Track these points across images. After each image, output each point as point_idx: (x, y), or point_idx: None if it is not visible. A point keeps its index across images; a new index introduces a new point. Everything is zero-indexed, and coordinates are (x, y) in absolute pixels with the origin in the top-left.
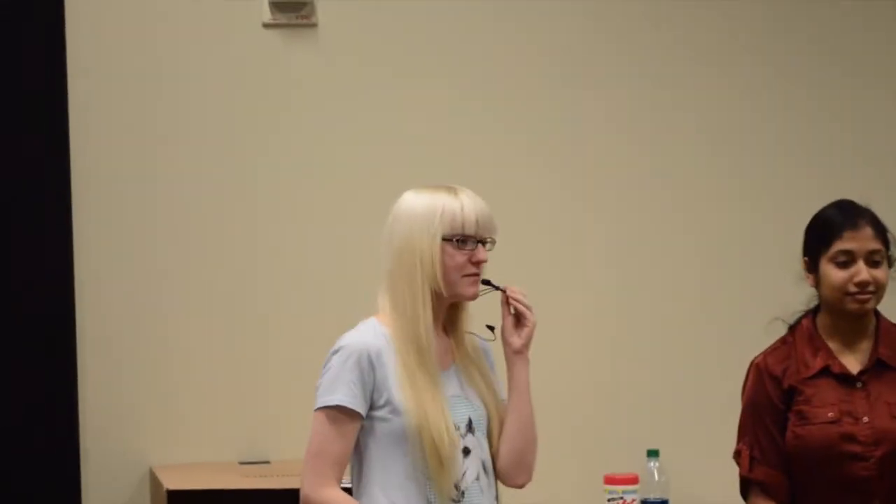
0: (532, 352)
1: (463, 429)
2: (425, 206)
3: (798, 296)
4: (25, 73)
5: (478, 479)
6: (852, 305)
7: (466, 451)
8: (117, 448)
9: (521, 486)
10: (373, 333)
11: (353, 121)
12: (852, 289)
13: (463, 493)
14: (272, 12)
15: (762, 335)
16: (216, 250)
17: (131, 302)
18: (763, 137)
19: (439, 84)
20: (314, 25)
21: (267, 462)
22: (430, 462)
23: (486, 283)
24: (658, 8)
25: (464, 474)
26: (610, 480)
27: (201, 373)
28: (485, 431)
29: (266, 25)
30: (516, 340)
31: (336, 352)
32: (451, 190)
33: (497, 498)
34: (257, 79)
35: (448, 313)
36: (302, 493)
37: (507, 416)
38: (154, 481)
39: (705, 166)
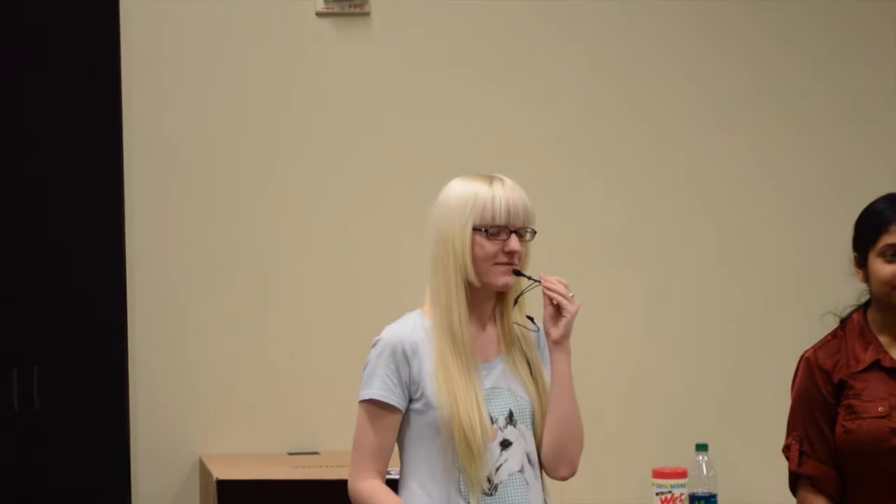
0: (582, 347)
1: (502, 421)
2: (460, 195)
3: (849, 290)
4: (80, 65)
5: (521, 470)
6: None
7: (506, 444)
8: (167, 438)
9: (563, 479)
10: (412, 326)
11: (404, 109)
12: None
13: (496, 486)
14: (325, 1)
15: (812, 329)
16: (266, 240)
17: (182, 294)
18: (812, 131)
19: (491, 71)
20: (367, 14)
21: (316, 453)
22: (460, 454)
23: (518, 273)
24: (692, 6)
25: (499, 467)
26: (658, 474)
27: (250, 363)
28: (529, 423)
29: (319, 14)
30: (554, 331)
31: (374, 345)
32: (488, 179)
33: (544, 489)
34: (311, 67)
35: (496, 303)
36: (350, 485)
37: (549, 408)
38: (203, 471)
39: (756, 163)
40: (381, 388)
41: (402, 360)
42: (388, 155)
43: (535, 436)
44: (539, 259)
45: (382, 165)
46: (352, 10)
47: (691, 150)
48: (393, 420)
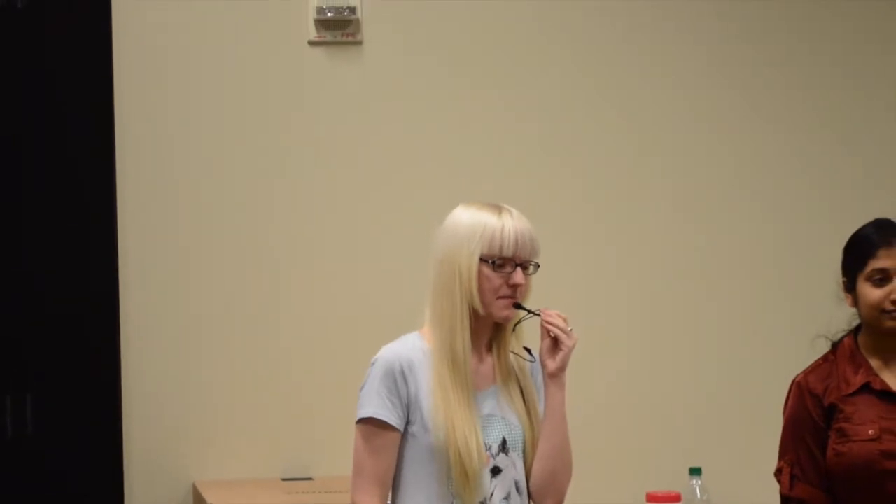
0: (574, 369)
1: (495, 448)
2: (468, 222)
3: (839, 314)
4: (73, 92)
5: (507, 498)
6: (889, 323)
7: (496, 471)
8: (161, 463)
9: None
10: (410, 346)
11: (397, 138)
12: (888, 307)
13: None
14: (317, 30)
15: (804, 353)
16: (261, 267)
17: (175, 319)
18: (807, 156)
19: (484, 102)
20: (359, 43)
21: (310, 478)
22: (455, 478)
23: (518, 307)
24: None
25: (491, 494)
26: (652, 498)
27: (245, 389)
28: (520, 452)
29: (311, 43)
30: (551, 364)
31: (372, 364)
32: (496, 209)
33: None
34: (302, 96)
35: (493, 332)
36: None
37: (541, 439)
38: (197, 497)
39: (751, 186)
40: (380, 406)
41: (401, 379)
42: (380, 182)
43: (525, 465)
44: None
45: (375, 192)
46: (344, 38)
47: (685, 171)
48: (392, 440)
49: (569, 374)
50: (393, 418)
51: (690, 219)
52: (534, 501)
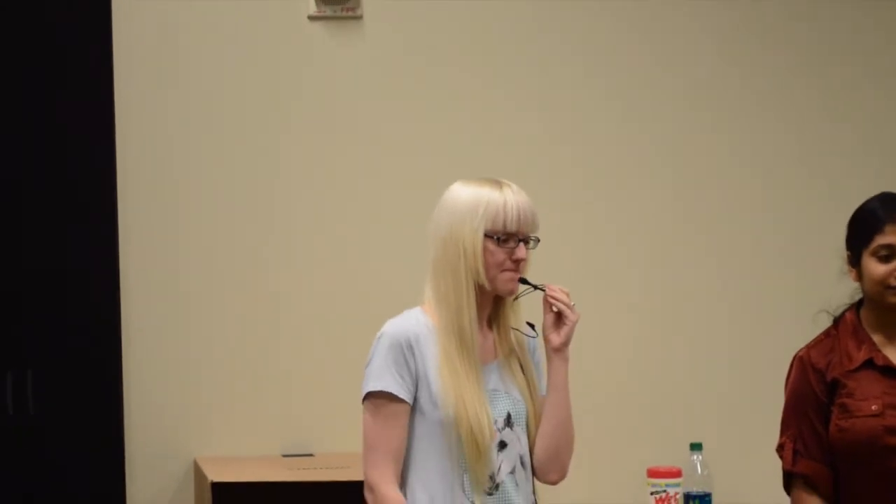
0: (576, 346)
1: (501, 423)
2: (470, 198)
3: (841, 289)
4: (71, 68)
5: (513, 472)
6: (893, 299)
7: (503, 445)
8: (162, 440)
9: (553, 483)
10: (415, 321)
11: (397, 112)
12: (893, 283)
13: (498, 485)
14: (317, 5)
15: (805, 328)
16: (261, 243)
17: (176, 296)
18: (806, 131)
19: (484, 78)
20: (359, 18)
21: (311, 455)
22: (467, 453)
23: (524, 281)
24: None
25: (499, 467)
26: (653, 474)
27: (245, 365)
28: (524, 426)
29: (311, 18)
30: (555, 339)
31: (378, 339)
32: (496, 184)
33: (534, 492)
34: (302, 72)
35: (493, 308)
36: (368, 486)
37: (545, 414)
38: (198, 473)
39: (751, 161)
40: (389, 379)
41: (409, 353)
42: (381, 157)
43: (528, 439)
44: (533, 258)
45: (376, 168)
46: (344, 13)
47: (685, 150)
48: (403, 413)
49: (571, 351)
50: (402, 391)
51: (692, 195)
52: (537, 475)
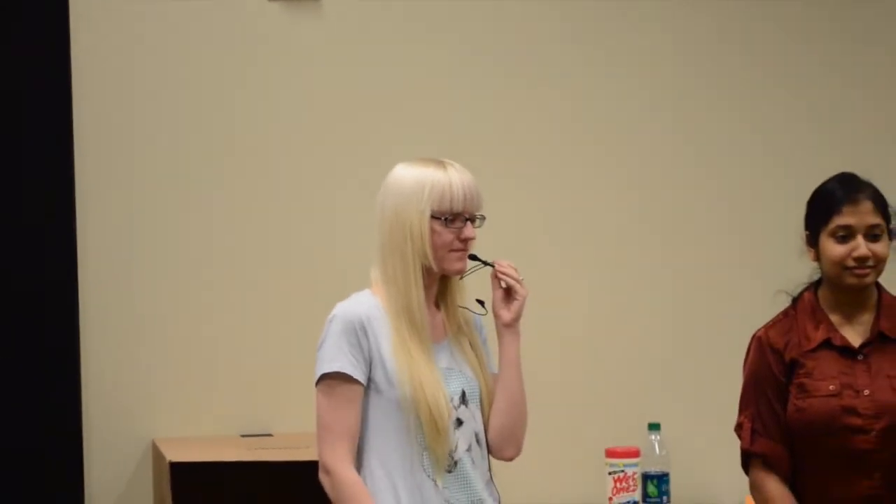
0: (533, 327)
1: (456, 400)
2: (414, 180)
3: (799, 269)
4: (28, 56)
5: (469, 450)
6: (851, 280)
7: (459, 423)
8: (120, 421)
9: (509, 459)
10: (366, 303)
11: (357, 94)
12: (851, 263)
13: (456, 462)
14: None
15: (763, 308)
16: (217, 224)
17: (132, 278)
18: (767, 111)
19: (443, 56)
20: None
21: (269, 435)
22: (426, 431)
23: (474, 258)
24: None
25: (456, 445)
26: (611, 454)
27: (203, 346)
28: (478, 404)
29: None
30: (506, 314)
31: (330, 321)
32: (440, 164)
33: (490, 469)
34: (261, 53)
35: (439, 287)
36: (324, 468)
37: (498, 390)
38: (157, 454)
39: (707, 138)
40: (343, 361)
41: (362, 334)
42: (338, 139)
43: (482, 416)
44: (487, 238)
45: (333, 150)
46: None
47: (638, 126)
48: (357, 394)
49: (528, 330)
50: (357, 372)
51: (649, 174)
52: (493, 452)
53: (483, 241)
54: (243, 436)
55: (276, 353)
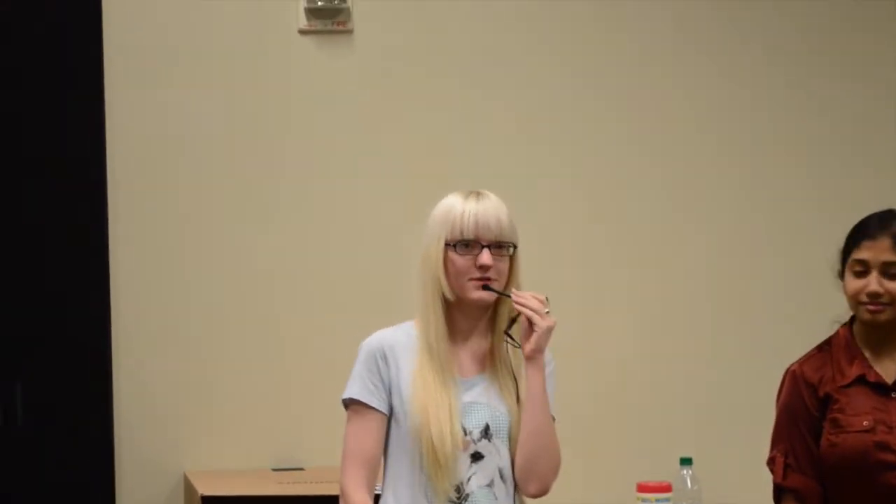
0: (567, 360)
1: (477, 434)
2: (440, 209)
3: (833, 303)
4: (63, 89)
5: (490, 485)
6: (865, 316)
7: (478, 456)
8: (151, 454)
9: (533, 496)
10: (399, 332)
11: (387, 126)
12: (864, 299)
13: (466, 496)
14: (308, 19)
15: (797, 342)
16: (249, 257)
17: (165, 310)
18: (809, 143)
19: (474, 90)
20: (350, 32)
21: (301, 469)
22: (427, 462)
23: (487, 288)
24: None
25: (469, 479)
26: (643, 488)
27: (235, 379)
28: (505, 439)
29: (302, 32)
30: (526, 346)
31: (359, 349)
32: (469, 194)
33: None
34: (292, 85)
35: (490, 317)
36: (340, 491)
37: (521, 423)
38: (188, 487)
39: (750, 171)
40: (361, 388)
41: (382, 362)
42: (372, 172)
43: (510, 452)
44: (525, 270)
45: (368, 183)
46: (335, 27)
47: (683, 157)
48: (376, 421)
49: (560, 363)
50: (374, 400)
51: (687, 209)
52: (518, 488)
53: (524, 269)
54: (275, 469)
55: (308, 386)
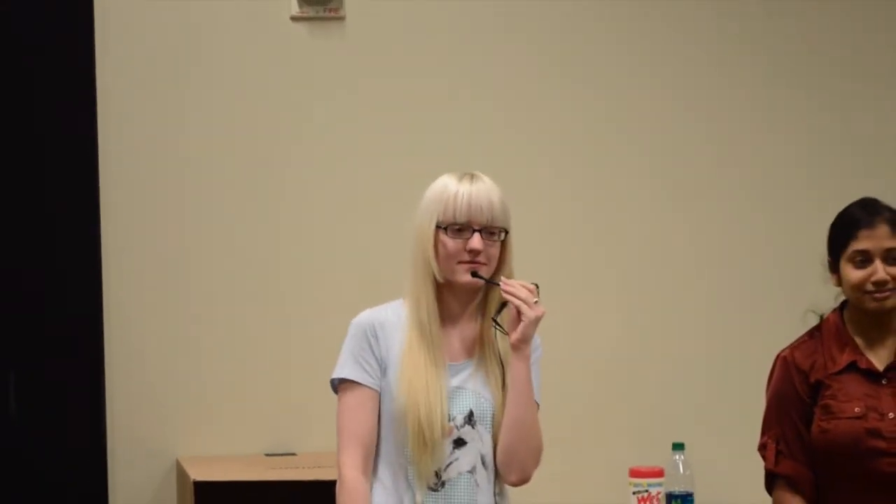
0: (559, 346)
1: (460, 420)
2: (433, 190)
3: (826, 288)
4: (55, 73)
5: (472, 471)
6: (871, 304)
7: (461, 443)
8: (144, 440)
9: (514, 485)
10: (388, 310)
11: (379, 113)
12: (870, 288)
13: (444, 482)
14: (300, 5)
15: (787, 328)
16: (242, 243)
17: (158, 295)
18: (793, 132)
19: (468, 76)
20: (342, 18)
21: (293, 454)
22: (412, 445)
23: (475, 275)
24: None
25: (449, 465)
26: (635, 473)
27: (228, 365)
28: (489, 426)
29: (294, 18)
30: (512, 335)
31: (349, 328)
32: (463, 176)
33: (498, 494)
34: (284, 72)
35: (480, 302)
36: (337, 470)
37: (504, 413)
38: (181, 473)
39: (740, 159)
40: (354, 367)
41: (373, 339)
42: (364, 158)
43: (494, 440)
44: (516, 259)
45: (360, 169)
46: (327, 14)
47: (671, 148)
48: (369, 398)
49: (553, 349)
50: (368, 378)
51: (677, 195)
52: (500, 476)
53: (515, 257)
54: (267, 455)
55: (300, 372)
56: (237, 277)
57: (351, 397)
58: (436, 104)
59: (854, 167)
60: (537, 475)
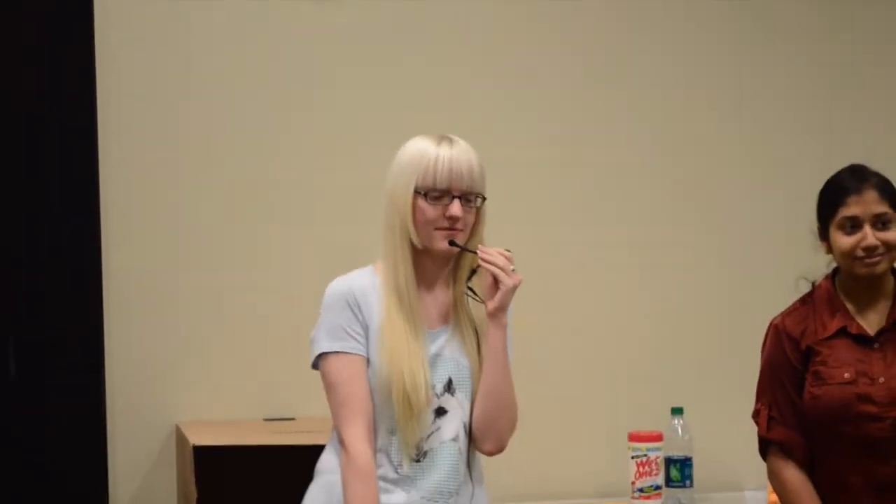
0: (556, 311)
1: (440, 388)
2: (409, 154)
3: (820, 255)
4: (52, 47)
5: (455, 439)
6: (862, 270)
7: (441, 412)
8: (143, 405)
9: (489, 454)
10: (364, 278)
11: (384, 84)
12: (860, 253)
13: (425, 452)
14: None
15: (784, 294)
16: (240, 208)
17: (156, 260)
18: (792, 99)
19: (468, 49)
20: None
21: (292, 419)
22: (398, 413)
23: (452, 243)
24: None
25: (430, 434)
26: (634, 438)
27: (227, 330)
28: (468, 393)
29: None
30: (490, 304)
31: (325, 298)
32: (441, 140)
33: (470, 461)
34: (284, 44)
35: (452, 269)
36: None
37: (480, 381)
38: (180, 438)
39: (733, 126)
40: (342, 338)
41: (355, 305)
42: (359, 135)
43: (471, 407)
44: (510, 228)
45: (361, 139)
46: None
47: (662, 115)
48: (361, 367)
49: (551, 314)
50: (356, 346)
51: (670, 159)
52: (475, 445)
53: (508, 225)
54: (266, 420)
55: (298, 337)
56: (237, 243)
57: (344, 368)
58: (437, 77)
59: (854, 136)
60: (537, 440)
